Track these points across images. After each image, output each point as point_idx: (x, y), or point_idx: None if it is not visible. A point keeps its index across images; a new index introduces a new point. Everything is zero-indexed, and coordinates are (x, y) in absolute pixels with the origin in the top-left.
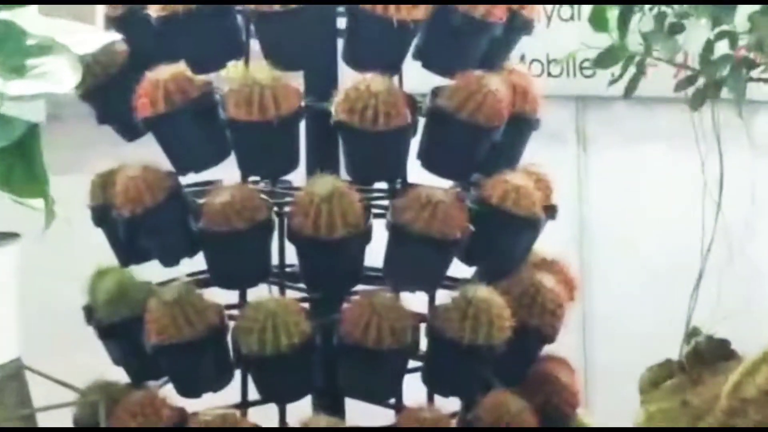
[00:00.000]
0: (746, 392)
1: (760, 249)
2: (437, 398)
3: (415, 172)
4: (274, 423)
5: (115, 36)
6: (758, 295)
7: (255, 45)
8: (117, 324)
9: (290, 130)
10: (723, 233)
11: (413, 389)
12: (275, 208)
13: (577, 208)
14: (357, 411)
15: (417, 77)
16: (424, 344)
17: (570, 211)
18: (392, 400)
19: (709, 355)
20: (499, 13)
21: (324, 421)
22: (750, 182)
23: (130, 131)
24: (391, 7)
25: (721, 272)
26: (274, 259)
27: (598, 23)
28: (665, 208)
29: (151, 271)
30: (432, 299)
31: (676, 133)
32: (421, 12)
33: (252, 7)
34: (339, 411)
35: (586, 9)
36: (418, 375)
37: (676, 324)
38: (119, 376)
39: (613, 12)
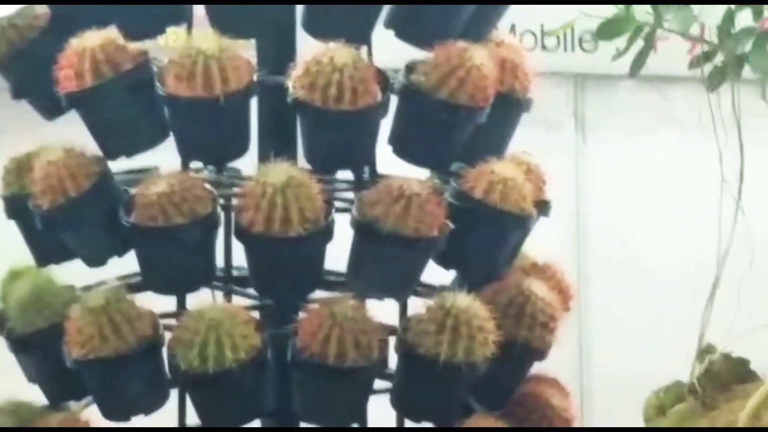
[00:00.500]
0: (767, 419)
1: None
2: (408, 423)
3: (386, 159)
4: None
5: None
6: None
7: (199, 9)
8: (32, 335)
9: (240, 109)
10: (743, 235)
11: (380, 413)
12: (221, 200)
13: (574, 204)
14: None
15: (389, 49)
16: (393, 361)
17: (565, 208)
18: (355, 426)
19: (725, 376)
20: None
21: None
22: None
23: (50, 108)
24: None
25: (741, 280)
26: (219, 260)
27: None
28: (676, 205)
29: (73, 273)
30: (403, 308)
31: (690, 119)
32: None
33: None
34: None
35: None
36: (385, 396)
37: (687, 340)
38: (34, 395)
39: None
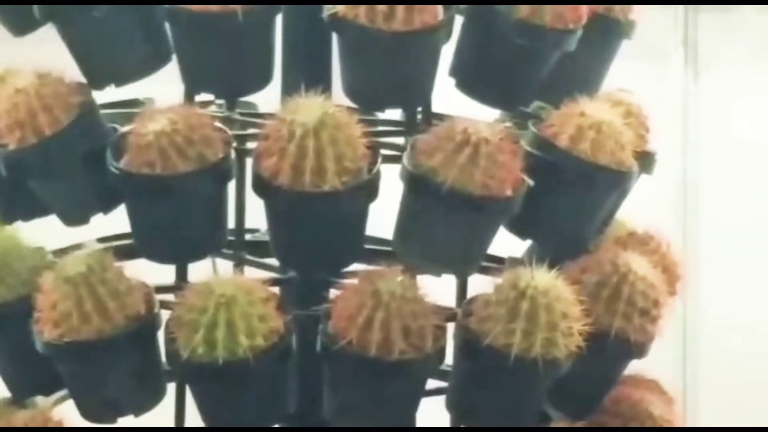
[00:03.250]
0: None
1: None
2: None
3: (447, 96)
4: None
5: None
6: None
7: None
8: None
9: (261, 27)
10: None
11: (431, 418)
12: (234, 144)
13: (681, 157)
14: None
15: None
16: (450, 354)
17: (670, 162)
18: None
19: None
20: None
21: None
22: None
23: (20, 21)
24: None
25: None
26: (230, 221)
27: None
28: None
29: (46, 233)
30: (462, 288)
31: None
32: None
33: None
34: None
35: None
36: (440, 399)
37: None
38: None
39: None
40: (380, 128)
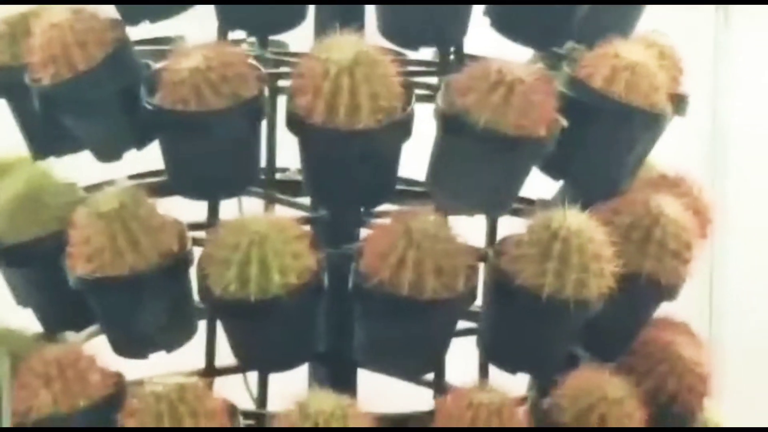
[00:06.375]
0: None
1: None
2: (497, 374)
3: (480, 36)
4: (250, 398)
5: None
6: None
7: None
8: (25, 245)
9: None
10: None
11: (461, 361)
12: (267, 82)
13: (711, 100)
14: (374, 388)
15: None
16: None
17: (701, 105)
18: (431, 376)
19: None
20: None
21: (328, 402)
22: None
23: None
24: None
25: None
26: (262, 159)
27: None
28: None
29: (79, 169)
30: (492, 229)
31: None
32: None
33: None
34: (348, 387)
35: None
36: (470, 340)
37: None
38: (27, 322)
39: None
40: (414, 68)
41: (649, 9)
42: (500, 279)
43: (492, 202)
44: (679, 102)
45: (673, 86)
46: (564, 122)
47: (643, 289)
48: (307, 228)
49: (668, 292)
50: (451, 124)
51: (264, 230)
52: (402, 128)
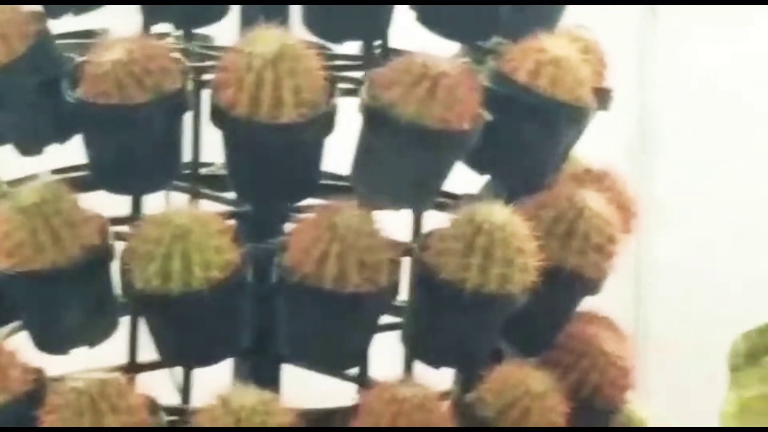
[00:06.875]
0: None
1: None
2: (421, 369)
3: (405, 30)
4: (173, 393)
5: None
6: None
7: None
8: None
9: None
10: None
11: (385, 355)
12: (191, 75)
13: (638, 96)
14: (298, 383)
15: None
16: (405, 289)
17: (627, 101)
18: (355, 371)
19: None
20: None
21: (250, 397)
22: None
23: None
24: None
25: None
26: (187, 153)
27: None
28: None
29: (1, 164)
30: (417, 223)
31: None
32: None
33: None
34: (272, 382)
35: None
36: (394, 334)
37: None
38: None
39: None
40: (339, 62)
41: (575, 5)
42: (424, 273)
43: (416, 196)
44: (603, 96)
45: (598, 81)
46: (488, 116)
47: (566, 283)
48: (231, 222)
49: (591, 286)
50: (375, 118)
51: (187, 225)
52: (325, 122)
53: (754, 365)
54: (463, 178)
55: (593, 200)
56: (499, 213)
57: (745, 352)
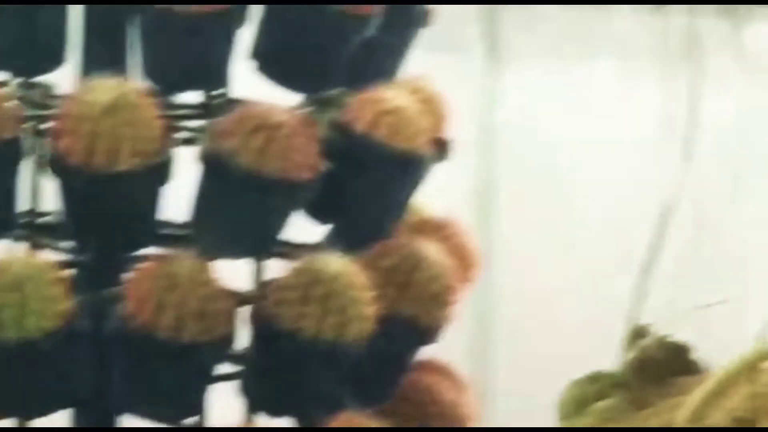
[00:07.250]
0: (711, 419)
1: (743, 217)
2: (261, 419)
3: (245, 80)
4: None
5: None
6: (736, 281)
7: None
8: None
9: (55, 6)
10: (691, 192)
11: (223, 405)
12: (30, 124)
13: (481, 146)
14: None
15: None
16: (243, 339)
17: (470, 151)
18: (192, 420)
19: (660, 365)
20: None
21: None
22: (734, 120)
23: None
24: None
25: (685, 250)
26: (24, 202)
27: None
28: (610, 152)
29: None
30: (258, 272)
31: (632, 46)
32: None
33: None
34: None
35: None
36: (232, 384)
37: (613, 320)
38: None
39: None
40: (178, 111)
41: (417, 58)
42: (262, 322)
43: (253, 245)
44: (442, 147)
45: (437, 131)
46: (325, 166)
47: (403, 332)
48: (65, 272)
49: (428, 334)
50: (212, 167)
51: (21, 274)
52: (162, 171)
53: (583, 414)
54: (307, 228)
55: (431, 250)
56: (336, 263)
57: (574, 400)
